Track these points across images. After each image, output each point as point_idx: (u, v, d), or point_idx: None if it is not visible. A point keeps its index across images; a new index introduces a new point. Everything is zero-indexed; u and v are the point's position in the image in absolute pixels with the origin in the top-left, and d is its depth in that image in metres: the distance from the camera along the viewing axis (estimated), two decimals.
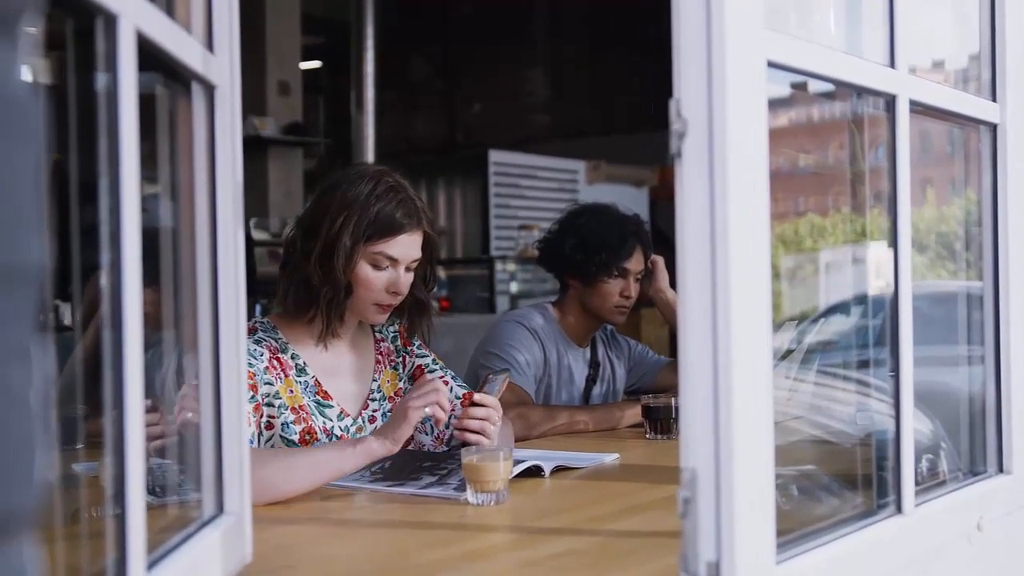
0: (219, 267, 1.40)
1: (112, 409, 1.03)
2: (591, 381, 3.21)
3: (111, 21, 1.02)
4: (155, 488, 1.38)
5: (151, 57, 1.14)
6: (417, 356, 2.50)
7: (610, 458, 2.41)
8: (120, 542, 1.03)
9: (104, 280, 1.04)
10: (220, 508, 1.41)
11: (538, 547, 1.66)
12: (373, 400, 2.39)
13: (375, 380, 2.41)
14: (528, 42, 10.07)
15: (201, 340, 1.40)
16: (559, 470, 2.24)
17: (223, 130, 1.40)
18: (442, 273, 8.12)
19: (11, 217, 0.56)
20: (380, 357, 2.44)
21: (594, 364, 3.22)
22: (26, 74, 0.60)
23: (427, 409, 2.04)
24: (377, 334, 2.47)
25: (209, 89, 1.38)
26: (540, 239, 3.26)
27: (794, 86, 1.54)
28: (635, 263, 3.09)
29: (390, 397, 2.41)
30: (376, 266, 2.25)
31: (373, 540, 1.77)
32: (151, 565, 1.11)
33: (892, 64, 1.56)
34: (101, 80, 1.04)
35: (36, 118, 0.60)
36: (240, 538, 1.44)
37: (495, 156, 8.48)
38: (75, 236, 1.06)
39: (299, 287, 2.27)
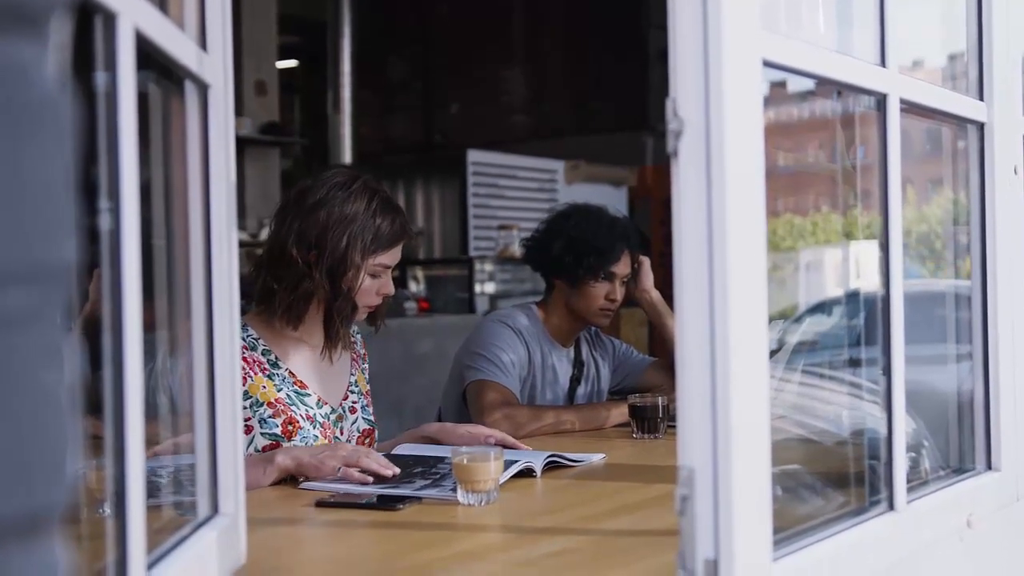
0: (213, 267, 1.40)
1: (112, 411, 1.02)
2: (575, 381, 3.21)
3: (110, 19, 1.01)
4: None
5: (146, 55, 1.14)
6: (367, 374, 2.61)
7: (597, 458, 2.42)
8: (120, 543, 1.02)
9: (104, 280, 1.03)
10: (215, 509, 1.40)
11: (532, 547, 1.66)
12: (352, 392, 2.49)
13: (352, 375, 2.51)
14: (506, 42, 10.08)
15: (195, 341, 1.39)
16: (551, 468, 2.25)
17: (217, 129, 1.40)
18: (420, 273, 8.11)
19: (45, 216, 0.56)
20: (354, 355, 2.55)
21: (578, 364, 3.22)
22: (56, 72, 0.60)
23: (340, 471, 2.08)
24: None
25: (203, 88, 1.37)
26: (527, 238, 3.25)
27: (774, 84, 1.54)
28: (622, 267, 3.09)
29: (365, 392, 2.53)
30: (373, 276, 2.37)
31: (366, 541, 1.76)
32: (150, 566, 1.11)
33: (883, 63, 1.57)
34: (99, 78, 1.04)
35: (68, 117, 0.60)
36: (235, 539, 1.43)
37: (473, 156, 8.47)
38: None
39: (303, 299, 2.33)
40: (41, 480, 0.56)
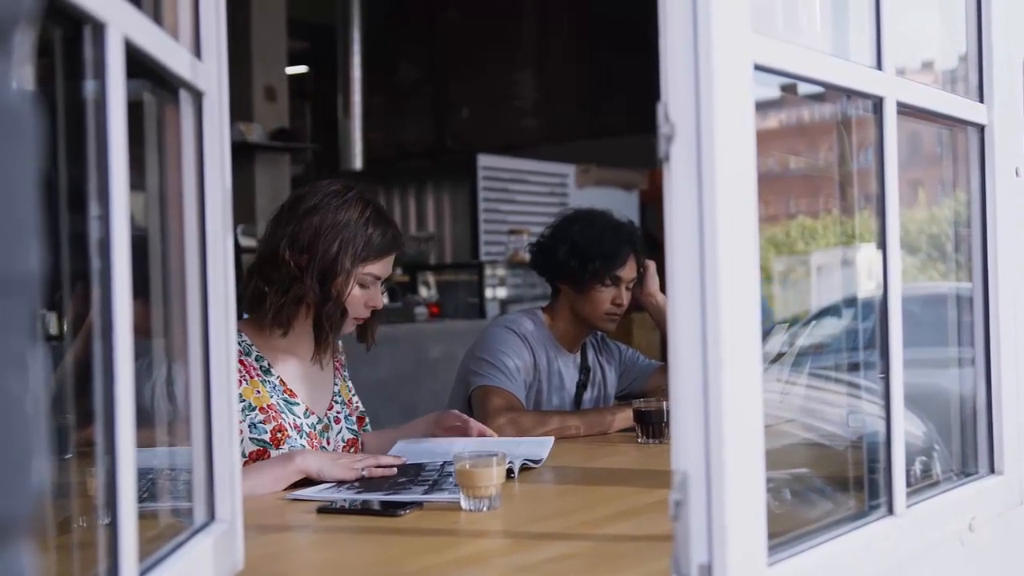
0: (208, 275, 1.40)
1: (103, 418, 1.03)
2: (582, 386, 3.21)
3: (99, 29, 1.02)
4: (144, 495, 1.38)
5: (138, 64, 1.14)
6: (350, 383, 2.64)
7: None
8: (112, 550, 1.03)
9: (94, 289, 1.03)
10: (212, 515, 1.40)
11: (531, 552, 1.66)
12: (336, 402, 2.52)
13: (336, 385, 2.54)
14: (516, 45, 10.07)
15: (191, 348, 1.40)
16: (524, 469, 2.29)
17: (211, 137, 1.40)
18: (431, 278, 8.12)
19: (9, 225, 0.57)
20: (338, 365, 2.58)
21: (584, 369, 3.22)
22: (22, 83, 0.60)
23: (364, 472, 2.20)
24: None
25: (197, 96, 1.38)
26: (533, 243, 3.25)
27: (784, 88, 1.55)
28: (628, 271, 3.09)
29: (348, 402, 2.56)
30: (362, 285, 2.39)
31: (365, 547, 1.76)
32: (143, 573, 1.11)
33: (879, 66, 1.56)
34: (89, 88, 1.04)
35: (32, 127, 0.61)
36: (232, 545, 1.43)
37: (484, 160, 8.47)
38: (62, 244, 1.05)
39: (292, 303, 2.35)
40: (6, 488, 0.57)
